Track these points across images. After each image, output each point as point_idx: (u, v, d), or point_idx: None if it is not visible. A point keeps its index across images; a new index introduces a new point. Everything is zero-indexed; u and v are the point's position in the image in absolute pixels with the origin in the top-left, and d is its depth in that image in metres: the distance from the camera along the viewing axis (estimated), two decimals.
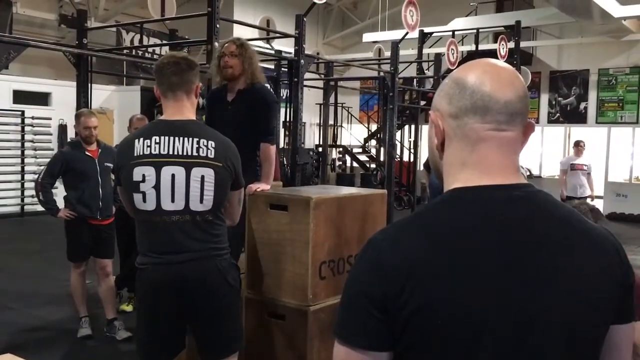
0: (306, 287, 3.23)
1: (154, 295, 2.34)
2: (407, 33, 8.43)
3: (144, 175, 2.26)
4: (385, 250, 0.97)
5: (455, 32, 11.02)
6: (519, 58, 10.23)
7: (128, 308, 5.14)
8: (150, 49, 11.47)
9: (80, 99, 5.90)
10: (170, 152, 2.28)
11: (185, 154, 2.28)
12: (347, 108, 14.97)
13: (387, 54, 12.04)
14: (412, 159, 11.24)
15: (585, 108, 13.57)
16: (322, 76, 9.73)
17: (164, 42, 7.05)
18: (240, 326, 2.53)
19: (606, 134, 13.12)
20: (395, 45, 7.42)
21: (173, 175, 2.26)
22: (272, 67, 9.35)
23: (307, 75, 9.76)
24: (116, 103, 12.30)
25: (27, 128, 11.09)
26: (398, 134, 12.39)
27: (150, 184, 2.26)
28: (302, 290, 3.24)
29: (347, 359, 0.96)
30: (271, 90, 4.12)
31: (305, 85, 11.21)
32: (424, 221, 1.01)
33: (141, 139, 2.30)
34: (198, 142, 2.30)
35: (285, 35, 6.02)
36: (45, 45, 5.40)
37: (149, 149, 2.28)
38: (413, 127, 11.06)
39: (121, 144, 2.51)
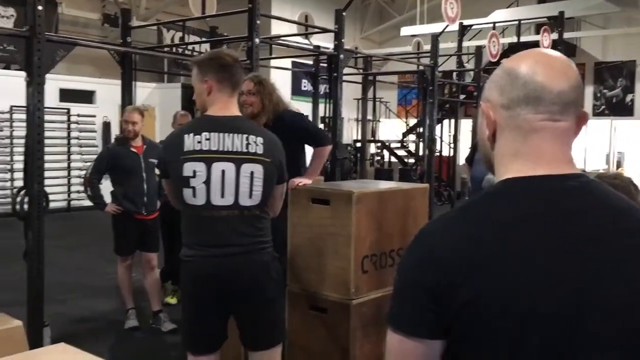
0: (349, 280, 3.25)
1: (199, 287, 2.39)
2: (447, 26, 8.34)
3: (194, 171, 2.31)
4: (438, 240, 0.98)
5: (496, 24, 10.82)
6: (563, 50, 10.00)
7: (172, 301, 5.25)
8: (190, 47, 11.63)
9: (124, 96, 6.03)
10: (221, 148, 2.33)
11: (235, 150, 2.33)
12: (384, 103, 14.90)
13: (426, 47, 11.94)
14: (451, 154, 11.11)
15: (632, 100, 13.19)
16: (361, 71, 9.71)
17: (205, 39, 7.12)
18: (284, 319, 2.56)
19: None
20: (435, 38, 7.36)
21: (223, 171, 2.31)
22: (311, 62, 9.39)
23: (346, 70, 9.77)
24: (157, 100, 12.52)
25: (72, 125, 11.41)
26: (437, 128, 12.28)
27: (201, 180, 2.31)
28: (345, 284, 3.26)
29: (400, 346, 0.97)
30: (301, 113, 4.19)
31: (344, 80, 11.22)
32: (476, 212, 1.01)
33: (191, 135, 2.34)
34: (247, 139, 2.35)
35: (324, 30, 6.03)
36: (92, 44, 5.54)
37: (199, 144, 2.32)
38: (453, 121, 10.91)
39: (169, 139, 2.56)
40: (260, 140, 2.37)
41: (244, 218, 2.35)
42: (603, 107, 13.61)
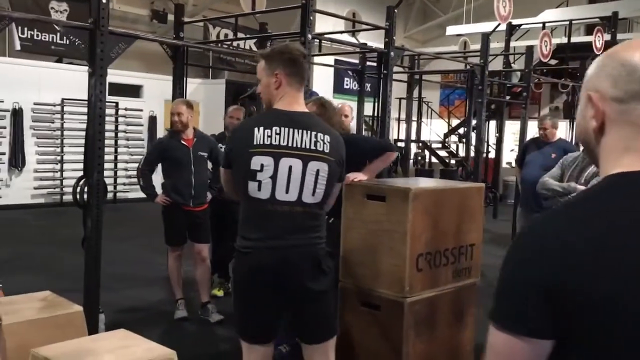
0: (403, 278, 3.22)
1: (254, 278, 2.40)
2: (498, 24, 8.21)
3: (262, 165, 2.32)
4: (549, 236, 0.94)
5: (546, 24, 10.61)
6: None
7: (219, 293, 5.31)
8: (235, 43, 11.74)
9: (175, 90, 6.11)
10: (290, 144, 2.33)
11: (303, 146, 2.34)
12: (427, 102, 14.76)
13: (473, 47, 11.79)
14: (495, 156, 10.94)
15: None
16: (406, 69, 9.64)
17: (257, 35, 7.17)
18: (335, 313, 2.57)
19: None
20: (485, 37, 7.25)
21: (290, 167, 2.33)
22: (354, 60, 9.37)
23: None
24: (202, 95, 12.68)
25: (120, 119, 11.65)
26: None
27: (268, 174, 2.32)
28: (399, 282, 3.24)
29: (506, 345, 0.94)
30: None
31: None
32: (586, 208, 0.97)
33: (261, 128, 2.36)
34: (316, 136, 2.36)
35: (375, 27, 5.99)
36: (150, 38, 5.63)
37: (269, 139, 2.34)
38: (497, 122, 10.74)
39: (238, 130, 2.59)
40: (327, 138, 2.38)
41: (305, 215, 2.37)
42: None
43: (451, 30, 12.71)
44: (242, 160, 2.37)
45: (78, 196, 3.77)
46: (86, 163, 3.86)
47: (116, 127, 11.56)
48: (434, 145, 13.86)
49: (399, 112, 15.55)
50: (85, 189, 3.78)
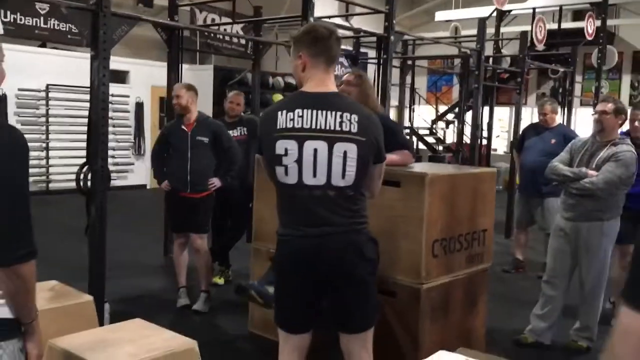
0: (419, 265, 3.19)
1: (291, 266, 2.34)
2: (495, 9, 8.17)
3: (286, 149, 2.25)
4: None
5: (536, 10, 10.60)
6: (605, 38, 9.77)
7: (220, 281, 5.24)
8: (224, 28, 11.56)
9: (171, 76, 5.99)
10: (313, 126, 2.25)
11: (328, 128, 2.24)
12: (415, 89, 14.72)
13: (464, 32, 11.76)
14: (486, 142, 10.94)
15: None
16: (399, 55, 9.57)
17: (253, 18, 7.03)
18: (376, 302, 2.49)
19: None
20: (482, 22, 7.20)
21: (315, 150, 2.24)
22: (348, 47, 9.28)
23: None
24: (189, 81, 12.42)
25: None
26: (468, 115, 12.13)
27: (293, 158, 2.25)
28: (415, 268, 3.20)
29: None
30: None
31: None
32: None
33: (284, 111, 2.28)
34: (341, 116, 2.26)
35: (375, 11, 5.91)
36: (152, 20, 5.48)
37: (292, 122, 2.26)
38: (488, 108, 10.74)
39: (264, 115, 2.50)
40: (355, 118, 2.27)
41: (338, 198, 2.28)
42: (601, 94, 13.33)
43: (440, 15, 12.65)
44: (268, 145, 2.30)
45: (82, 183, 3.66)
46: (89, 149, 3.75)
47: None
48: (421, 132, 13.85)
49: (385, 98, 15.49)
50: (89, 176, 3.67)
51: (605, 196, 3.76)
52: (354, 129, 2.26)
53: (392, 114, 13.78)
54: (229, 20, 11.65)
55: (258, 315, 4.12)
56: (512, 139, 8.43)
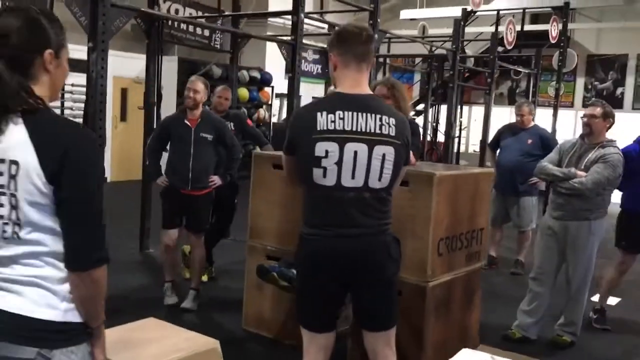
0: (425, 263, 3.24)
1: (321, 266, 2.33)
2: (471, 10, 8.33)
3: (327, 151, 2.24)
4: None
5: (500, 12, 10.86)
6: (565, 41, 10.11)
7: (204, 278, 5.16)
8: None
9: (150, 68, 5.86)
10: (354, 129, 2.25)
11: (368, 131, 2.26)
12: None
13: (431, 31, 11.94)
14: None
15: (622, 93, 13.47)
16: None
17: (252, 12, 6.91)
18: (397, 300, 2.52)
19: None
20: (458, 23, 7.33)
21: (355, 152, 2.25)
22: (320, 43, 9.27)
23: None
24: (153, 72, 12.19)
25: (66, 95, 11.06)
26: (430, 114, 12.39)
27: (333, 160, 2.24)
28: (421, 267, 3.25)
29: None
30: None
31: None
32: None
33: (324, 113, 2.27)
34: (381, 119, 2.28)
35: (360, 9, 5.94)
36: (147, 11, 5.31)
37: (332, 124, 2.25)
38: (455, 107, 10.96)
39: (299, 115, 2.48)
40: (392, 121, 2.30)
41: (372, 200, 2.30)
42: (593, 99, 13.84)
43: (405, 14, 12.78)
44: (305, 146, 2.28)
45: None
46: None
47: (62, 104, 10.97)
48: None
49: None
50: None
51: (593, 196, 3.91)
52: (392, 132, 2.29)
53: None
54: (194, 12, 11.48)
55: (252, 312, 4.10)
56: (482, 138, 8.61)
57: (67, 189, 1.41)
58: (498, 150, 6.16)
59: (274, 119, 14.02)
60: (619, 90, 13.57)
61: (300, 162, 2.34)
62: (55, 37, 1.51)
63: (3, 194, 1.43)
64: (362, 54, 2.33)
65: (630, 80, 13.38)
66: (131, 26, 10.39)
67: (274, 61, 14.10)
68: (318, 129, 2.25)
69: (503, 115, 13.16)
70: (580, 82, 13.91)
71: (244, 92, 12.46)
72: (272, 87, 13.63)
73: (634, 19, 12.31)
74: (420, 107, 13.22)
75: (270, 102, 13.68)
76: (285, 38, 5.41)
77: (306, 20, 9.87)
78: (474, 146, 14.41)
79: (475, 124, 15.40)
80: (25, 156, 1.40)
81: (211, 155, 4.42)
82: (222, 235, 5.30)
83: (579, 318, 4.14)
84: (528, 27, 11.66)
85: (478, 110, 15.99)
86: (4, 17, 1.46)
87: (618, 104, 13.51)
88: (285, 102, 15.42)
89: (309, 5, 7.80)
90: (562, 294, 4.21)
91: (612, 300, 5.30)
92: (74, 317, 1.47)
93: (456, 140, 10.44)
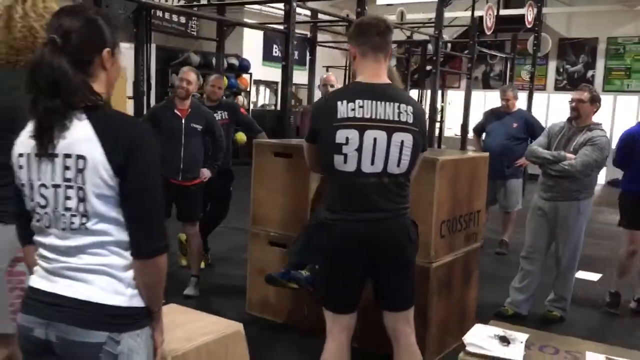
0: (429, 245, 3.37)
1: (344, 249, 2.43)
2: None
3: (347, 138, 2.33)
4: None
5: None
6: (539, 25, 10.34)
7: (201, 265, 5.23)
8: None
9: (138, 57, 5.84)
10: (373, 117, 2.35)
11: (387, 118, 2.36)
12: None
13: (409, 16, 12.05)
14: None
15: (593, 76, 13.80)
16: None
17: (243, 0, 6.89)
18: (415, 280, 2.64)
19: (612, 103, 13.38)
20: (440, 8, 7.45)
21: (375, 139, 2.34)
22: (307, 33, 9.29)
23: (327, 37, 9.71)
24: (130, 61, 12.06)
25: None
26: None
27: (353, 147, 2.34)
28: (425, 248, 3.37)
29: None
30: None
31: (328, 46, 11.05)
32: None
33: (344, 101, 2.36)
34: (399, 107, 2.38)
35: None
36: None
37: (352, 112, 2.34)
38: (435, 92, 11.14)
39: (320, 105, 2.57)
40: (410, 109, 2.40)
41: (391, 185, 2.40)
42: (565, 82, 14.19)
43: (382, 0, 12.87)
44: (327, 134, 2.37)
45: None
46: None
47: None
48: None
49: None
50: None
51: (582, 177, 4.09)
52: (410, 119, 2.39)
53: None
54: None
55: (256, 297, 4.19)
56: (462, 122, 8.79)
57: (132, 181, 1.49)
58: (483, 135, 6.32)
59: (252, 106, 14.03)
60: (589, 73, 13.90)
61: (322, 149, 2.43)
62: (110, 36, 1.58)
63: (70, 187, 1.49)
64: (380, 45, 2.42)
65: (600, 63, 13.72)
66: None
67: (251, 48, 14.13)
68: (338, 117, 2.35)
69: (478, 100, 13.41)
70: (552, 65, 14.21)
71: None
72: (250, 74, 13.64)
73: (603, 3, 12.63)
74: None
75: (248, 89, 13.69)
76: (277, 26, 5.44)
77: (278, 5, 9.84)
78: (450, 130, 14.67)
79: (450, 108, 15.67)
80: (92, 151, 1.47)
81: (200, 146, 4.46)
82: (217, 223, 5.35)
83: (568, 294, 4.34)
84: (503, 12, 11.85)
85: (453, 94, 16.28)
86: (64, 18, 1.52)
87: None
88: (263, 89, 15.45)
89: None
90: (551, 272, 4.41)
91: (594, 276, 5.55)
92: (138, 302, 1.55)
93: (437, 124, 10.59)
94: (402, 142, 2.37)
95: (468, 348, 2.39)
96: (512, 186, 5.97)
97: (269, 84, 15.13)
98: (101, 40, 1.55)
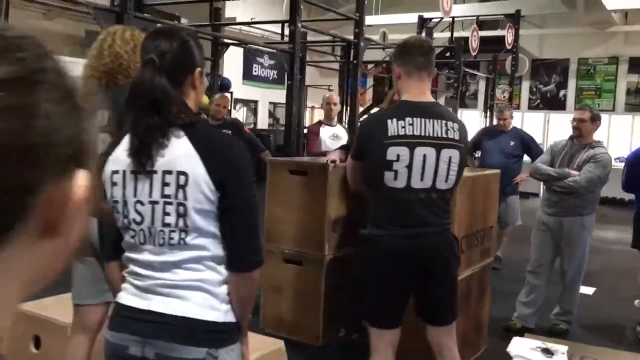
0: None
1: (392, 264, 2.47)
2: (441, 19, 8.66)
3: (398, 155, 2.40)
4: None
5: (455, 19, 11.31)
6: (517, 47, 10.67)
7: None
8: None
9: None
10: (423, 134, 2.42)
11: (435, 135, 2.43)
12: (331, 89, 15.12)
13: (391, 37, 12.26)
14: None
15: (565, 95, 14.27)
16: (338, 58, 9.86)
17: (243, 21, 6.92)
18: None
19: None
20: (422, 27, 7.63)
21: (424, 156, 2.41)
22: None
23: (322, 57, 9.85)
24: None
25: None
26: None
27: (404, 164, 2.40)
28: None
29: None
30: None
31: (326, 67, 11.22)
32: None
33: (394, 120, 2.42)
34: (446, 125, 2.46)
35: (347, 18, 6.11)
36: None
37: (403, 129, 2.41)
38: None
39: (368, 123, 2.63)
40: (456, 126, 2.49)
41: (438, 200, 2.47)
42: (538, 101, 14.63)
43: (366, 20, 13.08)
44: (376, 151, 2.42)
45: None
46: None
47: None
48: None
49: (305, 100, 15.78)
50: None
51: (586, 193, 4.23)
52: (456, 136, 2.47)
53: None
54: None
55: (270, 314, 4.19)
56: None
57: (233, 196, 1.52)
58: (478, 154, 6.47)
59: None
60: (561, 93, 14.36)
61: (372, 166, 2.48)
62: (200, 57, 1.62)
63: (169, 203, 1.51)
64: (424, 64, 2.51)
65: (572, 83, 14.20)
66: (85, 32, 10.19)
67: (231, 67, 14.17)
68: (389, 134, 2.41)
69: None
70: (525, 85, 14.63)
71: (204, 99, 12.42)
72: (231, 92, 13.66)
73: (575, 25, 13.11)
74: (374, 111, 13.59)
75: (229, 108, 13.69)
76: (281, 46, 5.51)
77: (258, 26, 9.96)
78: None
79: None
80: (193, 167, 1.49)
81: None
82: None
83: (574, 307, 4.46)
84: (482, 33, 12.18)
85: None
86: (160, 39, 1.56)
87: (561, 105, 14.32)
88: (243, 109, 15.48)
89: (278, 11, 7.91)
90: (555, 286, 4.52)
91: (589, 290, 5.71)
92: (232, 318, 1.57)
93: None
94: (450, 158, 2.45)
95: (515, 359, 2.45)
96: (511, 202, 6.12)
97: (246, 102, 15.17)
98: (193, 60, 1.60)
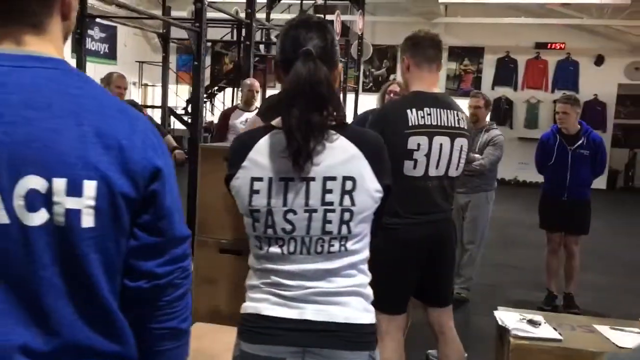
0: None
1: (406, 253, 2.53)
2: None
3: (418, 144, 2.44)
4: None
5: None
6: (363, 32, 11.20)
7: None
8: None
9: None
10: (439, 123, 2.49)
11: (450, 125, 2.51)
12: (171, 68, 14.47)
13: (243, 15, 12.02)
14: None
15: (394, 79, 15.30)
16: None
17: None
18: None
19: None
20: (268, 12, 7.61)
21: (441, 145, 2.48)
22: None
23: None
24: None
25: None
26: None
27: (423, 152, 2.45)
28: None
29: None
30: None
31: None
32: None
33: (414, 110, 2.45)
34: (457, 115, 2.55)
35: None
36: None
37: (422, 119, 2.45)
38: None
39: (387, 113, 2.60)
40: (463, 116, 2.60)
41: (448, 187, 2.57)
42: (371, 84, 15.52)
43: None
44: (397, 141, 2.42)
45: None
46: None
47: None
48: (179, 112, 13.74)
49: (140, 77, 14.94)
50: None
51: (488, 173, 4.70)
52: (464, 125, 2.59)
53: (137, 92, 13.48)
54: None
55: (204, 307, 3.98)
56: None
57: (387, 194, 1.47)
58: None
59: None
60: (392, 77, 15.39)
61: (390, 156, 2.48)
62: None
63: (332, 211, 1.40)
64: (433, 57, 2.58)
65: (399, 68, 15.29)
66: None
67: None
68: (410, 124, 2.44)
69: None
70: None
71: None
72: None
73: (405, 14, 14.10)
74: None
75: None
76: (186, 24, 5.16)
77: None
78: None
79: None
80: (360, 169, 1.41)
81: None
82: None
83: (473, 274, 4.92)
84: (330, 17, 12.53)
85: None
86: (314, 31, 1.46)
87: None
88: None
89: None
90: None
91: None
92: (375, 319, 1.52)
93: None
94: (462, 146, 2.56)
95: (515, 332, 2.66)
96: None
97: None
98: (337, 55, 1.49)
